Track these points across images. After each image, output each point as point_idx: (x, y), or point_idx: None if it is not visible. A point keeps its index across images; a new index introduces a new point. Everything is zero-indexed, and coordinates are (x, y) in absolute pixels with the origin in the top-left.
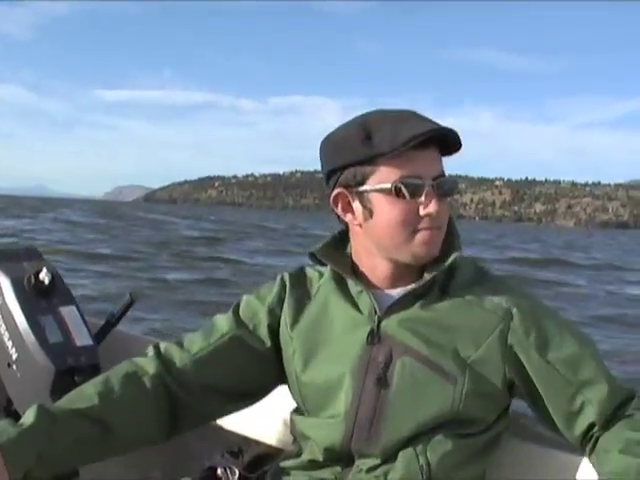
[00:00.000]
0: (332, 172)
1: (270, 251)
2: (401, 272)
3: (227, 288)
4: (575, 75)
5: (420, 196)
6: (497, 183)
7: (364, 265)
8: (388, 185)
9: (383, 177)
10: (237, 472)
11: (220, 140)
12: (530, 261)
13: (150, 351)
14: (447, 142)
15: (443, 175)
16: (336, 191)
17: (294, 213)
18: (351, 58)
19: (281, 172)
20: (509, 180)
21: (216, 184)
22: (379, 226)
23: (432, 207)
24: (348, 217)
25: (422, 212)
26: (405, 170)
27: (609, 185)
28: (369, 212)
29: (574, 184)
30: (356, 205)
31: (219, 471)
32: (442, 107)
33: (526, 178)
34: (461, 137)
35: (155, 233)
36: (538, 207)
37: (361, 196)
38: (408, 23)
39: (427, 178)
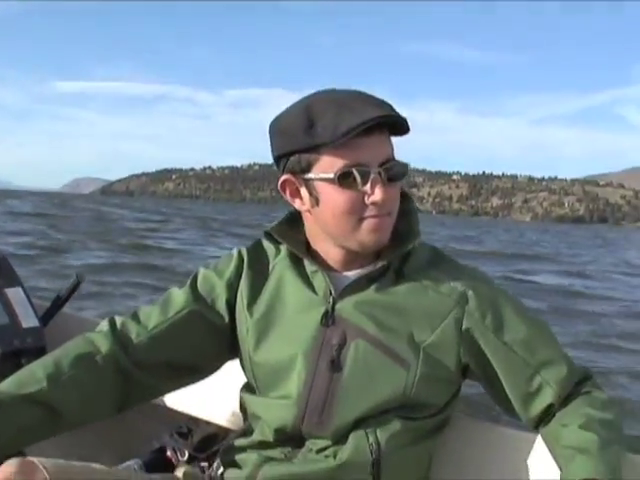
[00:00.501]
0: (279, 157)
1: (201, 239)
2: (354, 257)
3: (127, 271)
4: (534, 70)
5: (366, 184)
6: (454, 177)
7: (318, 247)
8: (331, 175)
9: (326, 166)
10: (187, 453)
11: (178, 132)
12: (466, 252)
13: (105, 326)
14: (395, 124)
15: (392, 159)
16: (284, 177)
17: (251, 206)
18: (310, 52)
19: (239, 165)
20: (466, 174)
21: (174, 177)
22: (325, 214)
23: (378, 195)
24: (297, 203)
25: (368, 200)
26: (349, 159)
27: (565, 180)
28: (315, 200)
29: (531, 179)
30: (303, 192)
31: (168, 452)
32: (399, 99)
33: (483, 172)
34: (409, 122)
35: (95, 224)
36: (495, 201)
37: (307, 183)
38: (365, 18)
39: (373, 165)
